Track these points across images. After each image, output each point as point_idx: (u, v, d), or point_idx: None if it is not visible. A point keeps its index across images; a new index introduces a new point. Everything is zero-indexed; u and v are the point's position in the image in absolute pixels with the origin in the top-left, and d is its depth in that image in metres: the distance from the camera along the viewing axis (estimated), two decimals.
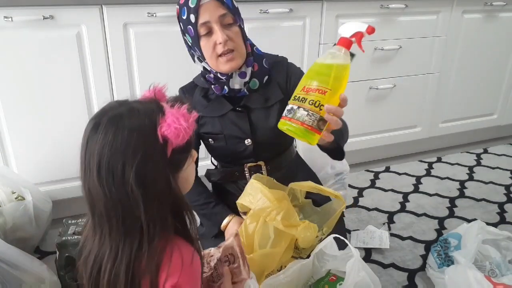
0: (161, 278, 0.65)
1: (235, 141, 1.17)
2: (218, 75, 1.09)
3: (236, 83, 1.10)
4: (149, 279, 0.65)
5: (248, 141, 1.16)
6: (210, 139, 1.20)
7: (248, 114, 1.14)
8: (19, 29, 1.37)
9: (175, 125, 0.63)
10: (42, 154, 1.52)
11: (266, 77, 1.14)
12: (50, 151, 1.52)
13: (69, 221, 1.33)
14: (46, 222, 1.51)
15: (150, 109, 0.66)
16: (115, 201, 0.64)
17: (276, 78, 1.14)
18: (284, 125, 0.83)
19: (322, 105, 0.79)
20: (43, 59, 1.42)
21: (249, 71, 1.10)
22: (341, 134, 1.00)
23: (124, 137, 0.63)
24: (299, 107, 0.81)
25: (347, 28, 0.84)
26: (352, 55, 0.84)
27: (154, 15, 1.49)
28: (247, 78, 1.10)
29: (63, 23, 1.41)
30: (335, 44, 0.85)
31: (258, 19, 1.65)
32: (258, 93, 1.13)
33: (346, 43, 0.84)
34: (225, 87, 1.11)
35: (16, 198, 1.41)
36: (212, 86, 1.13)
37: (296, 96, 0.84)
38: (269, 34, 1.69)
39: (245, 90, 1.11)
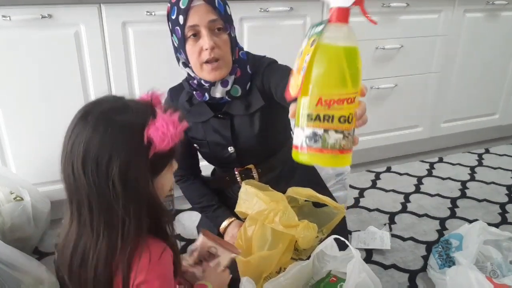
0: (131, 277, 0.67)
1: (218, 148, 1.16)
2: (202, 81, 1.06)
3: (218, 92, 1.07)
4: (121, 277, 0.67)
5: (231, 149, 1.15)
6: (195, 144, 1.20)
7: (231, 121, 1.12)
8: (18, 28, 1.36)
9: (163, 129, 0.64)
10: (40, 154, 1.51)
11: (249, 83, 1.10)
12: (48, 151, 1.51)
13: None
14: (44, 222, 1.51)
15: (142, 109, 0.67)
16: (98, 192, 0.66)
17: (256, 83, 1.10)
18: (309, 157, 0.59)
19: (353, 115, 0.59)
20: (42, 58, 1.42)
21: (231, 79, 1.07)
22: None
23: (114, 132, 0.64)
24: (327, 131, 0.58)
25: None
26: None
27: (153, 13, 1.48)
28: (229, 87, 1.07)
29: (61, 22, 1.40)
30: (326, 22, 0.61)
31: (258, 17, 1.64)
32: (240, 100, 1.10)
33: (343, 15, 0.62)
34: (206, 94, 1.08)
35: (14, 199, 1.40)
36: (194, 92, 1.10)
37: (312, 115, 0.58)
38: (269, 32, 1.68)
39: (227, 97, 1.09)
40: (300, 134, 0.59)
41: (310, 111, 0.58)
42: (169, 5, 1.04)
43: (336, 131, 0.58)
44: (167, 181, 0.75)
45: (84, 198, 0.67)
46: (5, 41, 1.36)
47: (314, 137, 0.58)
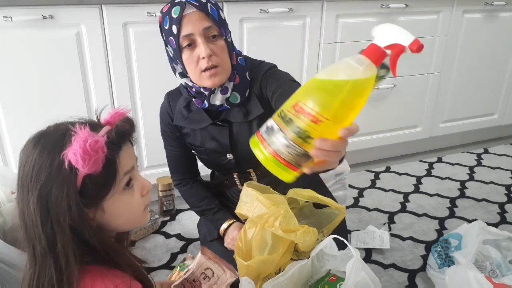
0: None
1: (216, 155, 1.15)
2: (201, 89, 1.04)
3: (217, 99, 1.05)
4: None
5: (229, 156, 1.14)
6: (193, 151, 1.19)
7: (230, 128, 1.10)
8: (19, 29, 1.36)
9: (78, 150, 0.58)
10: None
11: (248, 90, 1.08)
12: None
13: None
14: None
15: (68, 130, 0.61)
16: (24, 222, 0.62)
17: (254, 89, 1.08)
18: (255, 145, 0.62)
19: (311, 137, 0.56)
20: (43, 59, 1.42)
21: (231, 85, 1.05)
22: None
23: (35, 157, 0.61)
24: (280, 130, 0.58)
25: (386, 33, 0.58)
26: (382, 74, 0.59)
27: (154, 14, 1.49)
28: (228, 94, 1.05)
29: (62, 23, 1.41)
30: (361, 52, 0.59)
31: (258, 18, 1.64)
32: (238, 107, 1.08)
33: (376, 54, 0.58)
34: (205, 101, 1.06)
35: (15, 198, 1.41)
36: (193, 99, 1.09)
37: (282, 111, 0.59)
38: (269, 33, 1.68)
39: (226, 104, 1.06)
40: (266, 122, 0.61)
41: (283, 107, 0.59)
42: (160, 15, 1.01)
43: (285, 136, 0.57)
44: (125, 207, 0.66)
45: (21, 225, 0.63)
46: (6, 42, 1.37)
47: (269, 128, 0.59)
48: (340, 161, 0.90)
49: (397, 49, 0.59)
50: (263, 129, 0.61)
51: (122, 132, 0.65)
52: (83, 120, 0.65)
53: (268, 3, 1.64)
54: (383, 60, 0.59)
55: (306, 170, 0.60)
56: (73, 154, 0.58)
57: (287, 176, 0.61)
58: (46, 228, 0.60)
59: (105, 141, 0.61)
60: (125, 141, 0.66)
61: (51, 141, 0.62)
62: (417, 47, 0.58)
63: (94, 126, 0.64)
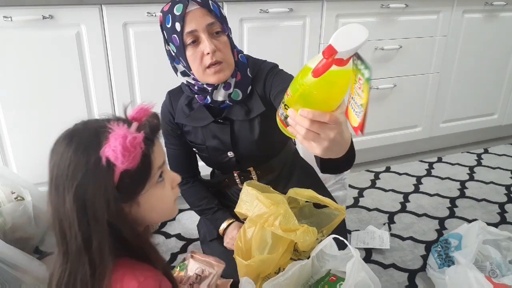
0: None
1: (217, 153, 1.15)
2: (205, 85, 1.05)
3: (220, 95, 1.06)
4: None
5: (230, 154, 1.14)
6: (194, 149, 1.20)
7: (231, 126, 1.11)
8: (19, 29, 1.37)
9: (117, 147, 0.59)
10: (41, 154, 1.50)
11: (250, 87, 1.08)
12: (49, 151, 1.52)
13: None
14: (45, 222, 1.51)
15: (101, 127, 0.62)
16: (59, 219, 0.62)
17: (257, 88, 1.09)
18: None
19: (287, 105, 0.69)
20: (43, 59, 1.42)
21: (233, 81, 1.05)
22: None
23: (69, 155, 0.61)
24: (280, 103, 0.74)
25: (340, 34, 0.61)
26: (360, 66, 0.62)
27: (154, 14, 1.49)
28: (231, 90, 1.05)
29: (62, 23, 1.41)
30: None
31: (258, 18, 1.64)
32: (240, 104, 1.08)
33: (329, 51, 0.62)
34: (208, 97, 1.06)
35: (15, 198, 1.41)
36: (196, 96, 1.09)
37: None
38: (269, 33, 1.68)
39: (228, 101, 1.07)
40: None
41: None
42: (160, 14, 1.02)
43: (280, 105, 0.72)
44: (159, 200, 0.68)
45: (52, 227, 0.64)
46: (6, 42, 1.37)
47: (281, 110, 0.72)
48: (349, 165, 0.86)
49: (328, 53, 0.62)
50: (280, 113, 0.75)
51: (154, 127, 0.66)
52: (111, 117, 0.67)
53: (268, 3, 1.64)
54: (332, 59, 0.61)
55: (290, 129, 0.70)
56: (112, 150, 0.59)
57: (286, 131, 0.73)
58: (82, 225, 0.61)
59: (143, 138, 0.62)
60: (156, 136, 0.68)
61: (84, 138, 0.62)
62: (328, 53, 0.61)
63: (127, 123, 0.65)
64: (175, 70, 1.08)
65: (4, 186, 1.42)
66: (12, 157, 1.50)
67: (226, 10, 1.57)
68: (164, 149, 0.76)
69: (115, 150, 0.59)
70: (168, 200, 0.71)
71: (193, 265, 0.97)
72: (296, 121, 0.65)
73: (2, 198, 1.39)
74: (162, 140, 0.71)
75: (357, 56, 0.63)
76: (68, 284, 0.63)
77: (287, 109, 0.69)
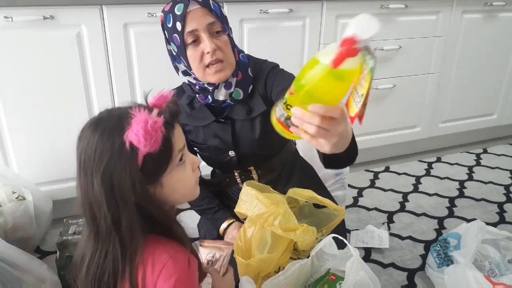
0: (147, 280, 0.66)
1: (218, 152, 1.15)
2: (205, 85, 1.05)
3: (221, 95, 1.06)
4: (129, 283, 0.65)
5: (231, 153, 1.15)
6: (195, 148, 1.20)
7: (232, 125, 1.11)
8: (19, 29, 1.37)
9: (140, 131, 0.62)
10: (42, 154, 1.52)
11: (251, 87, 1.09)
12: (50, 151, 1.53)
13: (70, 221, 1.34)
14: (46, 222, 1.51)
15: (124, 114, 0.66)
16: (88, 202, 0.66)
17: (258, 87, 1.09)
18: (271, 115, 0.74)
19: (290, 105, 0.68)
20: (43, 59, 1.42)
21: (234, 81, 1.06)
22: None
23: (95, 140, 0.65)
24: (279, 102, 0.72)
25: (358, 23, 0.64)
26: (368, 59, 0.64)
27: (154, 15, 1.49)
28: (232, 89, 1.06)
29: (63, 23, 1.41)
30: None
31: (258, 19, 1.65)
32: (241, 104, 1.09)
33: (347, 44, 0.64)
34: (209, 96, 1.06)
35: (16, 198, 1.41)
36: (197, 95, 1.10)
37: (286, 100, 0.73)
38: (269, 34, 1.69)
39: (229, 100, 1.07)
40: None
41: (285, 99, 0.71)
42: (162, 14, 1.02)
43: (279, 105, 0.71)
44: (180, 181, 0.72)
45: (82, 210, 0.67)
46: (7, 42, 1.37)
47: (277, 103, 0.72)
48: (353, 158, 0.85)
49: (349, 43, 0.63)
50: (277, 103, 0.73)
51: (174, 112, 0.69)
52: (134, 104, 0.70)
53: (268, 4, 1.64)
54: (352, 48, 0.62)
55: (293, 130, 0.69)
56: (135, 134, 0.62)
57: (285, 132, 0.71)
58: (111, 207, 0.64)
59: (163, 122, 0.65)
60: (176, 121, 0.71)
61: (109, 124, 0.66)
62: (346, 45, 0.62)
63: (148, 109, 0.68)
64: (177, 69, 1.08)
65: (5, 186, 1.42)
66: (13, 157, 1.50)
67: (226, 10, 1.57)
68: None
69: (137, 134, 0.62)
70: (189, 181, 0.74)
71: (204, 252, 0.98)
72: (304, 119, 0.64)
73: (3, 198, 1.39)
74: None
75: (365, 46, 0.64)
76: (100, 263, 0.67)
77: (289, 109, 0.67)
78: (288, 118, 0.69)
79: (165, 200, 0.72)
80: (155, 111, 0.67)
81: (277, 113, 0.71)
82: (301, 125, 0.66)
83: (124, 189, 0.64)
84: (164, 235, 0.70)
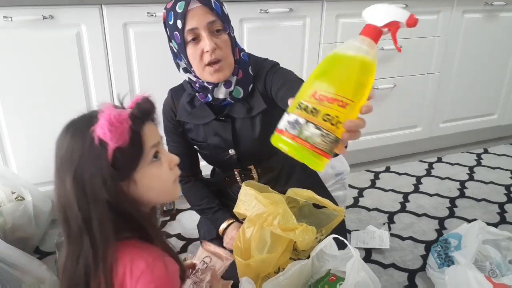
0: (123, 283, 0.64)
1: (219, 151, 1.15)
2: (205, 83, 1.06)
3: (221, 93, 1.07)
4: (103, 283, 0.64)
5: (231, 151, 1.15)
6: (195, 146, 1.20)
7: (232, 123, 1.11)
8: (19, 29, 1.37)
9: (104, 123, 0.62)
10: (41, 154, 1.52)
11: (251, 85, 1.09)
12: (49, 151, 1.51)
13: None
14: (45, 222, 1.51)
15: (95, 113, 0.66)
16: (62, 205, 0.65)
17: (258, 86, 1.10)
18: (282, 142, 0.60)
19: (341, 122, 0.58)
20: (43, 59, 1.42)
21: (234, 79, 1.06)
22: None
23: (68, 142, 0.65)
24: (308, 122, 0.57)
25: (378, 13, 0.61)
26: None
27: (154, 15, 1.49)
28: (231, 88, 1.06)
29: (63, 23, 1.41)
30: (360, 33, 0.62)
31: (258, 18, 1.65)
32: (241, 102, 1.09)
33: (373, 33, 0.61)
34: (209, 95, 1.07)
35: (15, 198, 1.41)
36: (197, 94, 1.10)
37: (302, 103, 0.59)
38: (269, 34, 1.68)
39: (229, 99, 1.08)
40: (285, 118, 0.61)
41: (302, 100, 0.59)
42: (164, 11, 1.03)
43: (316, 126, 0.57)
44: (155, 179, 0.70)
45: (59, 210, 0.67)
46: (6, 42, 1.37)
47: (294, 123, 0.59)
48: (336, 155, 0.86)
49: (395, 27, 0.61)
50: (284, 125, 0.60)
51: (143, 108, 0.68)
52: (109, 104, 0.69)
53: (268, 3, 1.64)
54: (381, 36, 0.62)
55: (333, 154, 0.61)
56: (101, 128, 0.62)
57: (321, 164, 0.60)
58: (82, 205, 0.63)
59: (128, 114, 0.65)
60: (147, 117, 0.69)
61: (80, 125, 0.66)
62: (413, 21, 0.60)
63: (119, 108, 0.68)
64: (178, 66, 1.09)
65: (5, 186, 1.42)
66: (12, 157, 1.50)
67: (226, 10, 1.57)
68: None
69: (102, 127, 0.62)
70: (165, 180, 0.72)
71: (202, 253, 0.98)
72: (358, 127, 0.59)
73: (2, 198, 1.39)
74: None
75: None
76: (72, 266, 0.66)
77: (337, 125, 0.57)
78: (336, 140, 0.58)
79: (140, 199, 0.70)
80: (127, 109, 0.67)
81: (313, 140, 0.58)
82: (353, 137, 0.60)
83: (95, 187, 0.63)
84: (143, 240, 0.69)
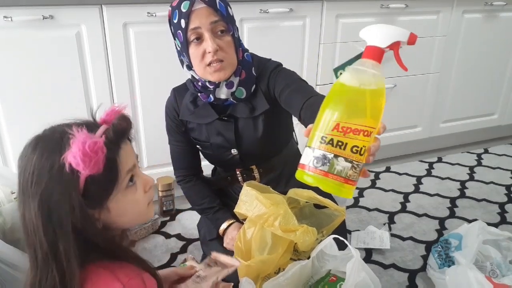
0: None
1: (221, 150, 1.16)
2: (206, 83, 1.06)
3: (222, 93, 1.07)
4: None
5: (234, 151, 1.15)
6: (198, 146, 1.20)
7: (235, 123, 1.12)
8: (19, 29, 1.36)
9: (77, 153, 0.57)
10: None
11: (254, 86, 1.09)
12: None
13: None
14: None
15: (66, 133, 0.60)
16: (25, 226, 0.62)
17: (261, 86, 1.10)
18: (312, 178, 0.59)
19: (366, 150, 0.60)
20: (43, 59, 1.42)
21: (236, 80, 1.06)
22: None
23: (34, 161, 0.60)
24: (337, 156, 0.57)
25: (379, 34, 0.62)
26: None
27: (154, 15, 1.49)
28: (234, 88, 1.07)
29: (63, 23, 1.41)
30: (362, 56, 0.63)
31: (258, 18, 1.64)
32: (244, 102, 1.10)
33: (380, 56, 0.62)
34: (211, 95, 1.07)
35: (15, 198, 1.41)
36: (199, 94, 1.10)
37: (326, 137, 0.58)
38: (269, 34, 1.68)
39: (231, 99, 1.08)
40: (310, 154, 0.59)
41: (325, 134, 0.58)
42: (170, 9, 1.04)
43: (346, 160, 0.58)
44: (130, 204, 0.66)
45: (23, 231, 0.63)
46: (6, 42, 1.37)
47: (323, 159, 0.58)
48: None
49: (397, 46, 0.63)
50: (310, 161, 0.59)
51: (119, 130, 0.64)
52: (79, 121, 0.65)
53: (268, 3, 1.64)
54: (383, 55, 0.63)
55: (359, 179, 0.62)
56: (73, 157, 0.58)
57: (351, 192, 0.60)
58: (47, 232, 0.60)
59: (104, 141, 0.60)
60: (124, 139, 0.65)
61: (49, 144, 0.61)
62: (414, 40, 0.63)
63: (91, 127, 0.63)
64: (182, 63, 1.10)
65: (4, 186, 1.41)
66: (12, 157, 1.50)
67: None
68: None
69: (75, 156, 0.57)
70: (140, 204, 0.68)
71: (193, 266, 0.97)
72: (379, 147, 0.61)
73: (2, 198, 1.39)
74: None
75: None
76: None
77: (364, 154, 0.58)
78: (357, 166, 0.59)
79: (113, 224, 0.67)
80: (102, 128, 0.63)
81: (346, 173, 0.58)
82: (374, 158, 0.62)
83: (62, 214, 0.59)
84: (117, 259, 0.65)
